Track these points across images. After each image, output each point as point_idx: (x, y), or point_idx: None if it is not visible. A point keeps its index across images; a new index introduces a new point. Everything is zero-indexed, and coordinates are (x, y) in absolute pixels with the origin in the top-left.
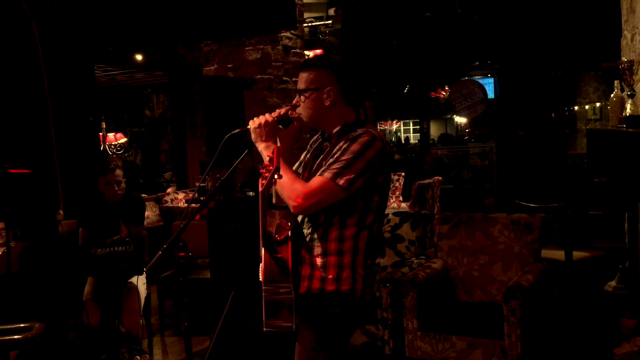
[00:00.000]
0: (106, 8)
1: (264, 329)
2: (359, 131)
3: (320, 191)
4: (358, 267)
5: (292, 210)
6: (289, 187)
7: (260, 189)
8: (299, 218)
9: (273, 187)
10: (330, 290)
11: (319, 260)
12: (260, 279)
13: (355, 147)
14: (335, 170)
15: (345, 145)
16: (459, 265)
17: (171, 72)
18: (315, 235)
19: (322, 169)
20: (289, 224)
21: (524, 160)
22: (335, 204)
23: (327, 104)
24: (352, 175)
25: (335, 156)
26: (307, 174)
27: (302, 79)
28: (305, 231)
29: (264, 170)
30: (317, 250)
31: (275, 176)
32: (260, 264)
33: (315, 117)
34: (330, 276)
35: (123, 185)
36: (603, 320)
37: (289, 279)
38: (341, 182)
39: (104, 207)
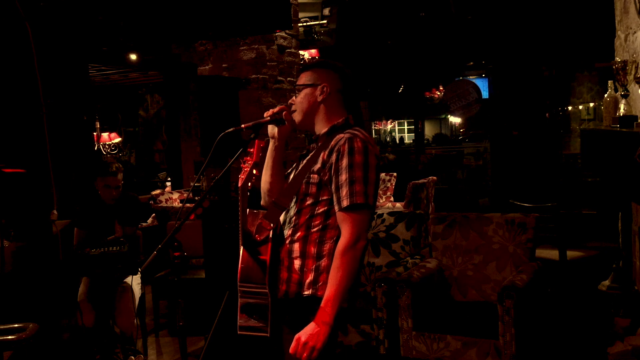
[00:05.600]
0: (100, 7)
1: (238, 332)
2: (346, 135)
3: (364, 221)
4: None
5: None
6: (352, 259)
7: (239, 184)
8: (281, 218)
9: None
10: (307, 294)
11: (297, 263)
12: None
13: (358, 158)
14: (361, 192)
15: (347, 160)
16: (454, 264)
17: (165, 72)
18: (296, 237)
19: (342, 194)
20: (271, 224)
21: (518, 160)
22: (318, 205)
23: (319, 99)
24: (373, 189)
25: (345, 175)
26: (294, 172)
27: (302, 78)
28: (286, 232)
29: (245, 165)
30: (296, 252)
31: (254, 171)
32: (239, 264)
33: (307, 112)
34: (307, 280)
35: (120, 190)
36: (597, 320)
37: (265, 283)
38: (371, 201)
39: (99, 206)
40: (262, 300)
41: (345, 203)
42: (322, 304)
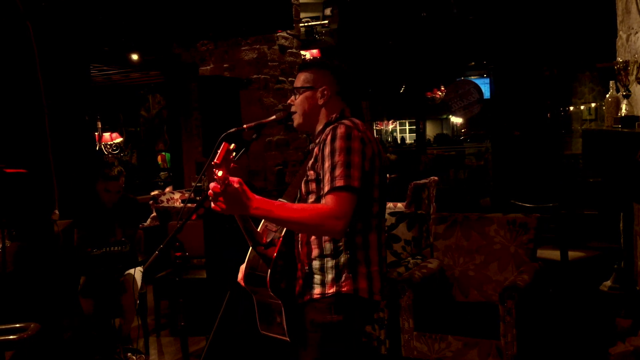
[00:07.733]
0: (102, 7)
1: (260, 332)
2: (332, 126)
3: (346, 201)
4: (359, 266)
5: (336, 236)
6: (315, 216)
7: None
8: None
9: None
10: (331, 293)
11: (316, 263)
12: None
13: (339, 144)
14: (341, 175)
15: (329, 147)
16: (455, 265)
17: (167, 72)
18: (311, 238)
19: (325, 180)
20: (276, 226)
21: (520, 160)
22: (321, 200)
23: (320, 102)
24: (357, 172)
25: (327, 162)
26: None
27: (300, 79)
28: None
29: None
30: (315, 252)
31: (219, 172)
32: (242, 265)
33: (308, 115)
34: (329, 278)
35: (121, 193)
36: (598, 320)
37: (266, 283)
38: (355, 183)
39: (100, 208)
40: (275, 302)
41: (327, 188)
42: (270, 200)
